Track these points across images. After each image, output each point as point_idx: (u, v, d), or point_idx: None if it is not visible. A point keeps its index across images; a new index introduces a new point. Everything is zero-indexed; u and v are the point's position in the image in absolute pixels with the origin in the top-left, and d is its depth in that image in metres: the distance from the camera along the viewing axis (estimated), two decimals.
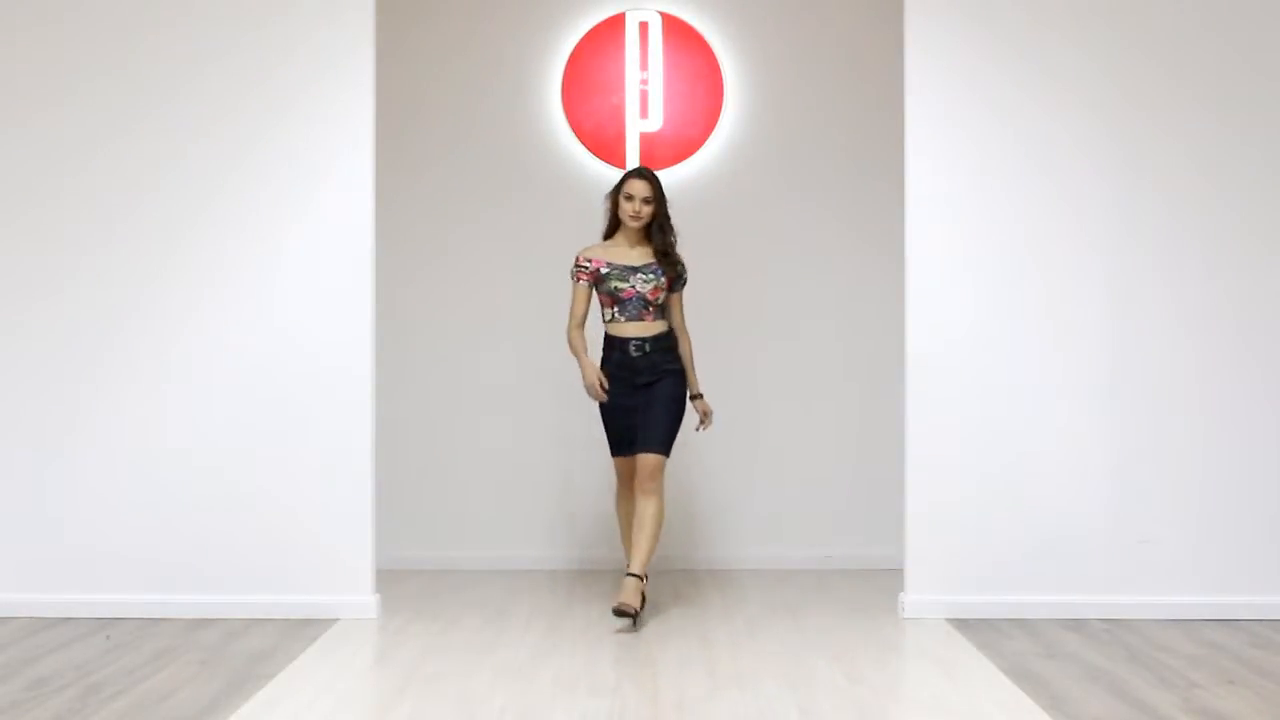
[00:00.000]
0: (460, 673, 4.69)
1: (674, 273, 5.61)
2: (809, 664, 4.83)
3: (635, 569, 5.44)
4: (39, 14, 5.66)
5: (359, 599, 5.58)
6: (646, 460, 5.52)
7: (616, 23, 6.88)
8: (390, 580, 6.02)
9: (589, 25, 6.88)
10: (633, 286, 5.58)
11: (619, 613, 5.30)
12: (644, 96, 6.82)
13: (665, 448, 5.56)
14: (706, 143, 6.86)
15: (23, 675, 4.61)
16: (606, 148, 6.85)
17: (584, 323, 5.62)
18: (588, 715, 4.15)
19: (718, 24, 6.91)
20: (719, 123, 6.88)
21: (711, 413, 5.78)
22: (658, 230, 5.61)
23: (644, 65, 6.85)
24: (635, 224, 5.60)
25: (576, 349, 5.61)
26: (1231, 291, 5.65)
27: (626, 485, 5.70)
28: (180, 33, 5.64)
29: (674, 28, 6.88)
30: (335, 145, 5.61)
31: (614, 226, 5.68)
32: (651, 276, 5.59)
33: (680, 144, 6.82)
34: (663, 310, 5.62)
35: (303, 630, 5.31)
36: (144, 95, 5.63)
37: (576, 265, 5.64)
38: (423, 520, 6.81)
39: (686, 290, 5.73)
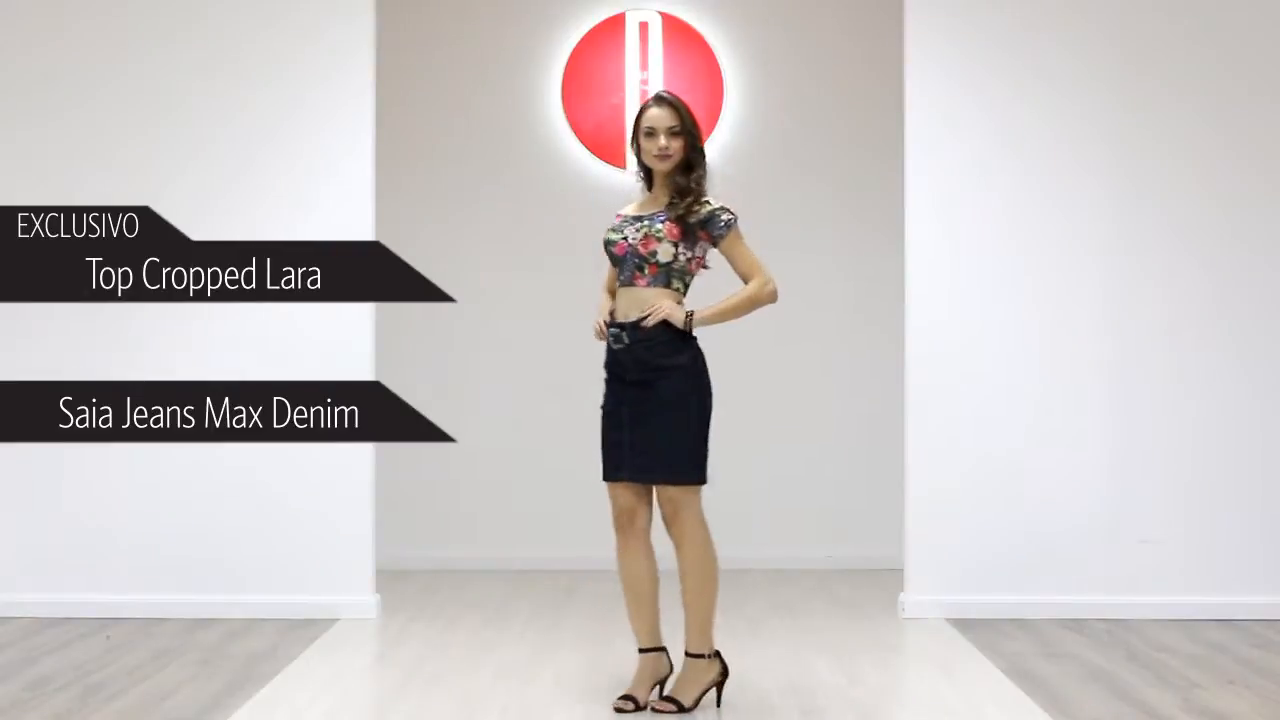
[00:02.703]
0: (460, 673, 4.69)
1: (686, 209, 4.16)
2: (809, 664, 4.83)
3: (691, 646, 4.23)
4: (45, 20, 5.69)
5: (359, 599, 5.59)
6: (669, 495, 4.19)
7: (616, 23, 6.88)
8: (390, 580, 6.02)
9: (589, 25, 6.88)
10: (625, 239, 4.22)
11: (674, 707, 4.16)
12: (644, 96, 6.81)
13: (681, 474, 4.15)
14: (706, 143, 6.83)
15: (23, 675, 4.62)
16: (606, 148, 6.85)
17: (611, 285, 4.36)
18: (588, 715, 4.15)
19: (718, 24, 6.91)
20: (719, 123, 6.88)
21: (666, 314, 4.12)
22: (684, 169, 4.22)
23: (644, 65, 6.85)
24: (665, 165, 4.20)
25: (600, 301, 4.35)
26: (1228, 292, 5.65)
27: (621, 527, 4.25)
28: (183, 38, 5.66)
29: (674, 28, 6.88)
30: (336, 147, 5.64)
31: (649, 177, 4.32)
32: (649, 223, 4.19)
33: None
34: (669, 276, 4.17)
35: (303, 630, 5.31)
36: (148, 100, 5.65)
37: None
38: (423, 520, 6.81)
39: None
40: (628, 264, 4.20)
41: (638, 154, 4.28)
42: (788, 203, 6.88)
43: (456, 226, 6.87)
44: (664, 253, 4.17)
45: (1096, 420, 5.64)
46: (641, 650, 4.26)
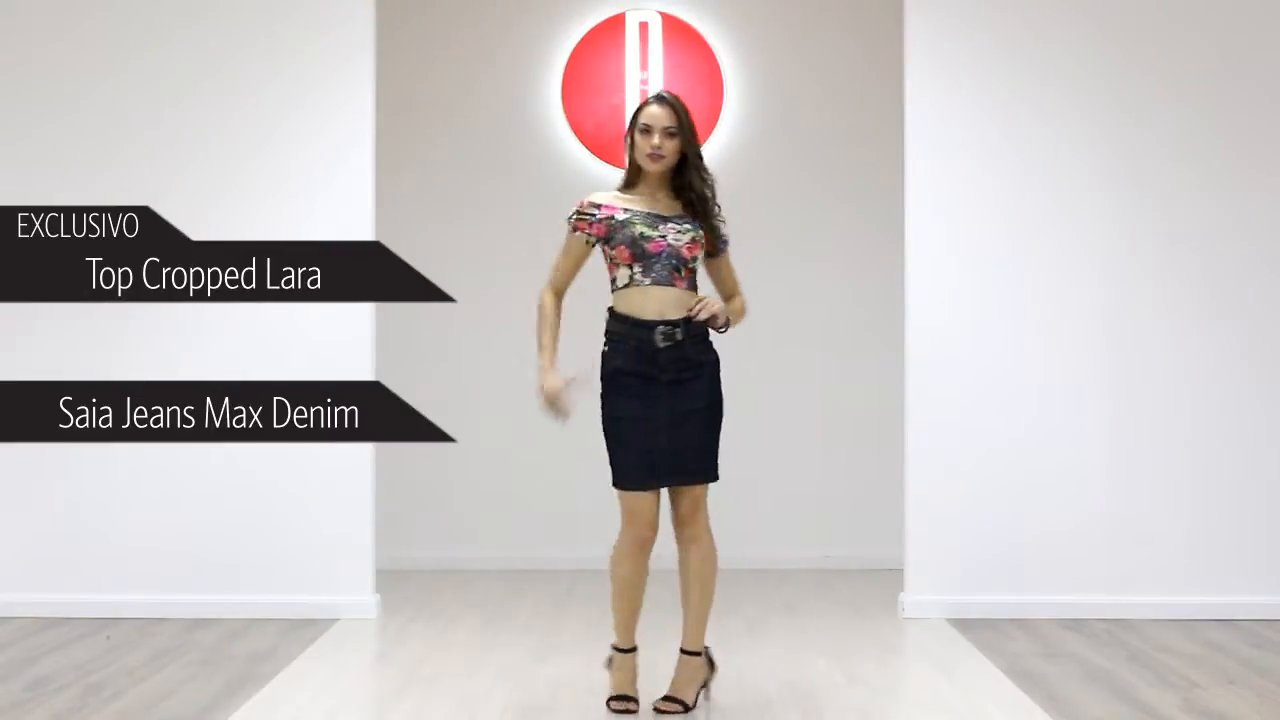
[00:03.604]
0: (460, 673, 4.69)
1: (712, 228, 4.19)
2: (809, 664, 4.83)
3: (691, 644, 4.23)
4: (46, 21, 5.69)
5: (359, 599, 5.59)
6: (695, 494, 4.18)
7: (616, 23, 6.88)
8: (390, 580, 6.02)
9: (589, 25, 6.88)
10: (663, 237, 4.11)
11: (670, 708, 4.16)
12: (644, 96, 6.81)
13: (712, 472, 4.20)
14: (706, 143, 6.84)
15: (23, 675, 4.62)
16: (606, 148, 6.84)
17: (564, 292, 4.24)
18: (588, 715, 4.15)
19: (718, 24, 6.91)
20: (719, 123, 6.88)
21: (718, 308, 4.17)
22: (691, 173, 4.16)
23: (644, 65, 6.85)
24: (656, 165, 4.12)
25: (542, 327, 4.17)
26: (1228, 292, 5.66)
27: (639, 534, 4.14)
28: (183, 39, 5.67)
29: (674, 28, 6.88)
30: (337, 147, 5.64)
31: (634, 175, 4.22)
32: (689, 227, 4.14)
33: None
34: (695, 280, 4.19)
35: (303, 630, 5.31)
36: (148, 100, 5.66)
37: (578, 212, 4.19)
38: (423, 520, 6.81)
39: None
40: (662, 262, 4.11)
41: (630, 149, 4.19)
42: (788, 203, 6.88)
43: (456, 226, 6.87)
44: (698, 262, 4.19)
45: (1096, 420, 5.64)
46: (624, 650, 4.25)
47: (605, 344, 4.17)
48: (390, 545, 6.30)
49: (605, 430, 4.16)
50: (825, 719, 4.15)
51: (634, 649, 4.27)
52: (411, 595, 6.04)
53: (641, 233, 4.10)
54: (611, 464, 4.16)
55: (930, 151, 5.63)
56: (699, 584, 4.22)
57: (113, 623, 5.42)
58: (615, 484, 4.15)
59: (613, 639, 4.31)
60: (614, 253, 4.14)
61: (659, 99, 4.18)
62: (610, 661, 4.31)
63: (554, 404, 4.14)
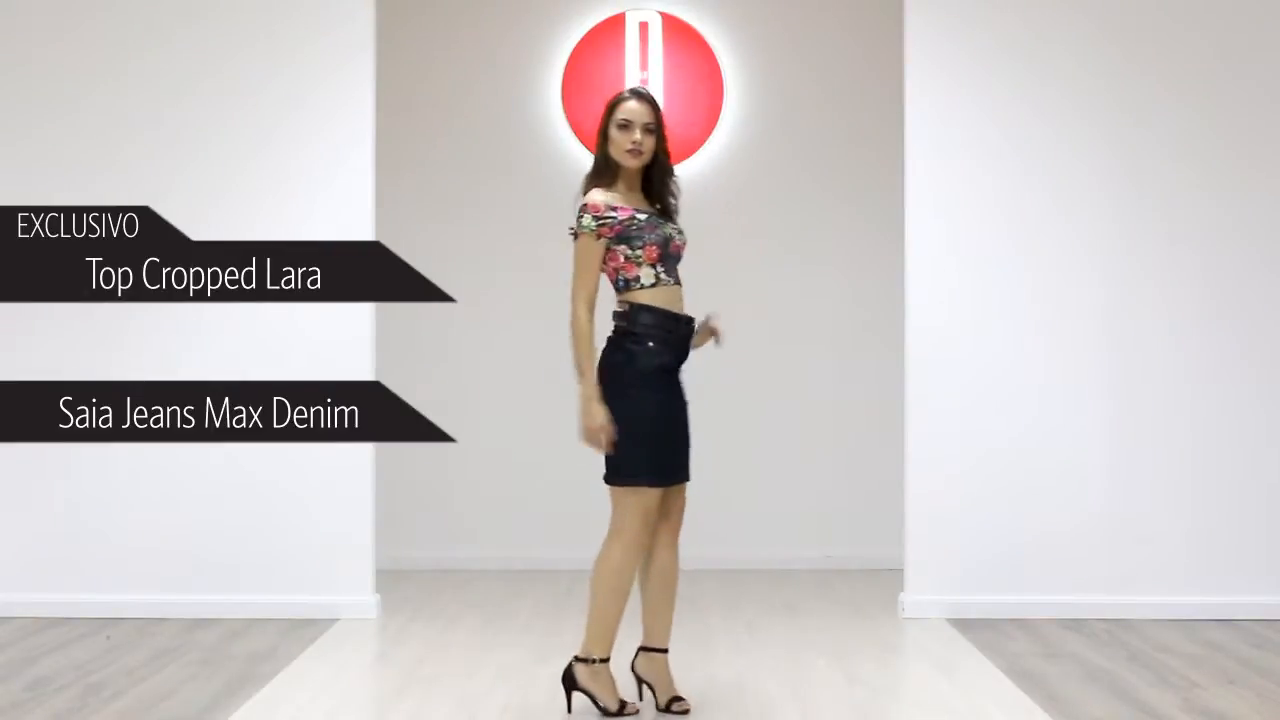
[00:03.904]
0: (460, 673, 4.69)
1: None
2: (809, 664, 4.83)
3: (664, 641, 4.21)
4: (46, 20, 5.69)
5: (359, 599, 5.59)
6: (683, 491, 4.21)
7: (616, 23, 6.88)
8: (390, 580, 6.02)
9: (589, 25, 6.88)
10: (673, 238, 4.16)
11: (679, 708, 4.15)
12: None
13: None
14: (707, 143, 6.86)
15: (23, 675, 4.62)
16: None
17: (595, 305, 4.08)
18: (589, 715, 4.15)
19: (718, 24, 6.91)
20: (719, 123, 6.88)
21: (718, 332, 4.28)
22: (659, 173, 4.17)
23: (644, 65, 6.85)
24: (635, 162, 4.10)
25: (581, 349, 4.03)
26: (1228, 292, 5.66)
27: (650, 531, 4.08)
28: (183, 39, 5.67)
29: (674, 28, 6.88)
30: (337, 147, 5.64)
31: (612, 171, 4.16)
32: (681, 228, 4.19)
33: (680, 144, 6.79)
34: None
35: (303, 630, 5.31)
36: (148, 100, 5.66)
37: (598, 219, 4.05)
38: (423, 520, 6.81)
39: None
40: (674, 261, 4.13)
41: (604, 143, 4.15)
42: (788, 203, 6.88)
43: (456, 226, 6.87)
44: None
45: (1096, 420, 5.64)
46: (606, 660, 4.11)
47: (648, 341, 4.04)
48: (390, 545, 6.29)
49: (635, 427, 4.01)
50: (825, 719, 4.15)
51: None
52: (411, 595, 6.04)
53: (670, 234, 4.11)
54: (638, 461, 4.02)
55: (930, 151, 5.63)
56: (673, 583, 4.18)
57: (113, 623, 5.42)
58: (637, 481, 4.01)
59: (579, 651, 4.14)
60: (637, 252, 4.05)
61: (636, 94, 4.18)
62: (576, 676, 4.12)
63: (604, 433, 4.00)
